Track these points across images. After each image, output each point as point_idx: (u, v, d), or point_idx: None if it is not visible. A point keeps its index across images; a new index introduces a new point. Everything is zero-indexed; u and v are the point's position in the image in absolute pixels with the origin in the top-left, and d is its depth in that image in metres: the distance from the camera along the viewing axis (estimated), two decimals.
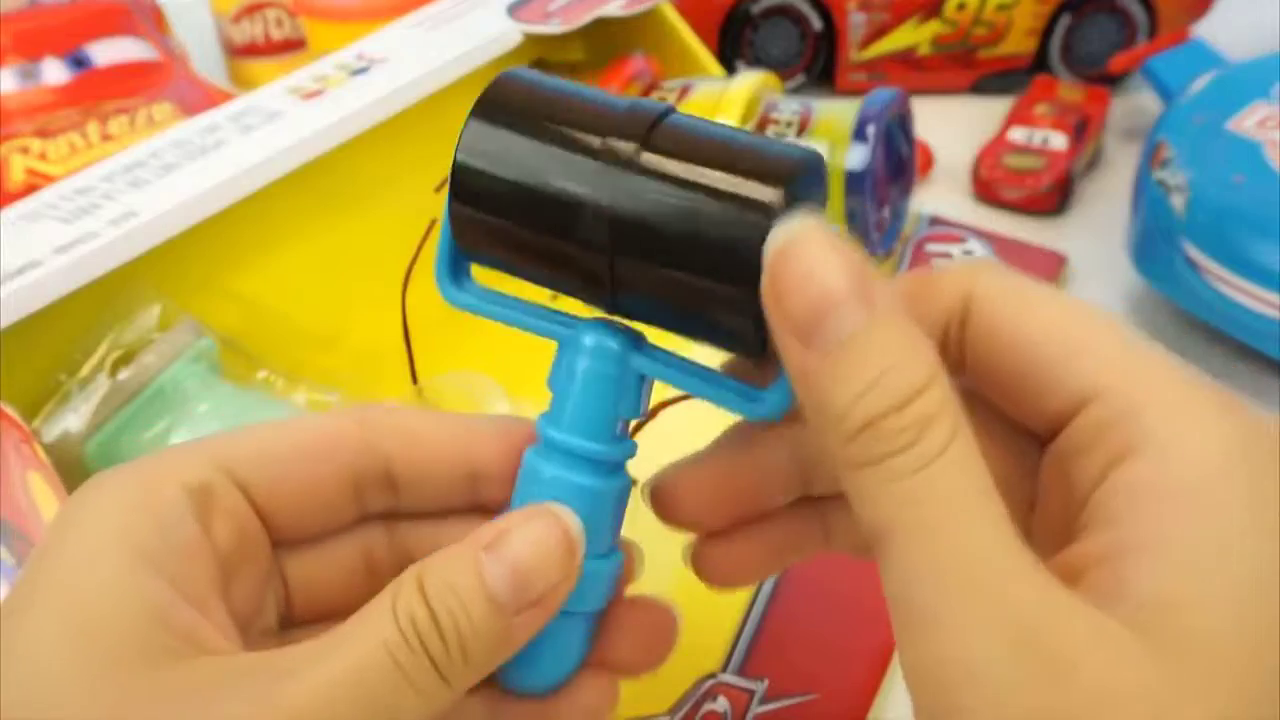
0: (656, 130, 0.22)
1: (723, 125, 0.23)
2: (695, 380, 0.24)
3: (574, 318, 0.24)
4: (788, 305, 0.20)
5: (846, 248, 0.20)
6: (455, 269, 0.25)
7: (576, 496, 0.23)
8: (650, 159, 0.22)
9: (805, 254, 0.20)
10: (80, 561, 0.20)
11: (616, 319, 0.24)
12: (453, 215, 0.23)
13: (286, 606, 0.25)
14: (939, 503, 0.19)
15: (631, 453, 0.24)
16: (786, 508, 0.26)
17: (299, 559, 0.25)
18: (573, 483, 0.23)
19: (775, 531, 0.26)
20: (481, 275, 0.25)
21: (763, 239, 0.21)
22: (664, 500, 0.25)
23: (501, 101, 0.23)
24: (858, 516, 0.20)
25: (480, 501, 0.25)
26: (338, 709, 0.19)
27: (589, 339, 0.23)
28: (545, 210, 0.22)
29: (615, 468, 0.24)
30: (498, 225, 0.23)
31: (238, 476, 0.23)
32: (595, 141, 0.22)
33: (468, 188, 0.23)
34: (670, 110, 0.23)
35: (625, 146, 0.22)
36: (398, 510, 0.25)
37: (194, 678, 0.20)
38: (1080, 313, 0.22)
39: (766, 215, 0.21)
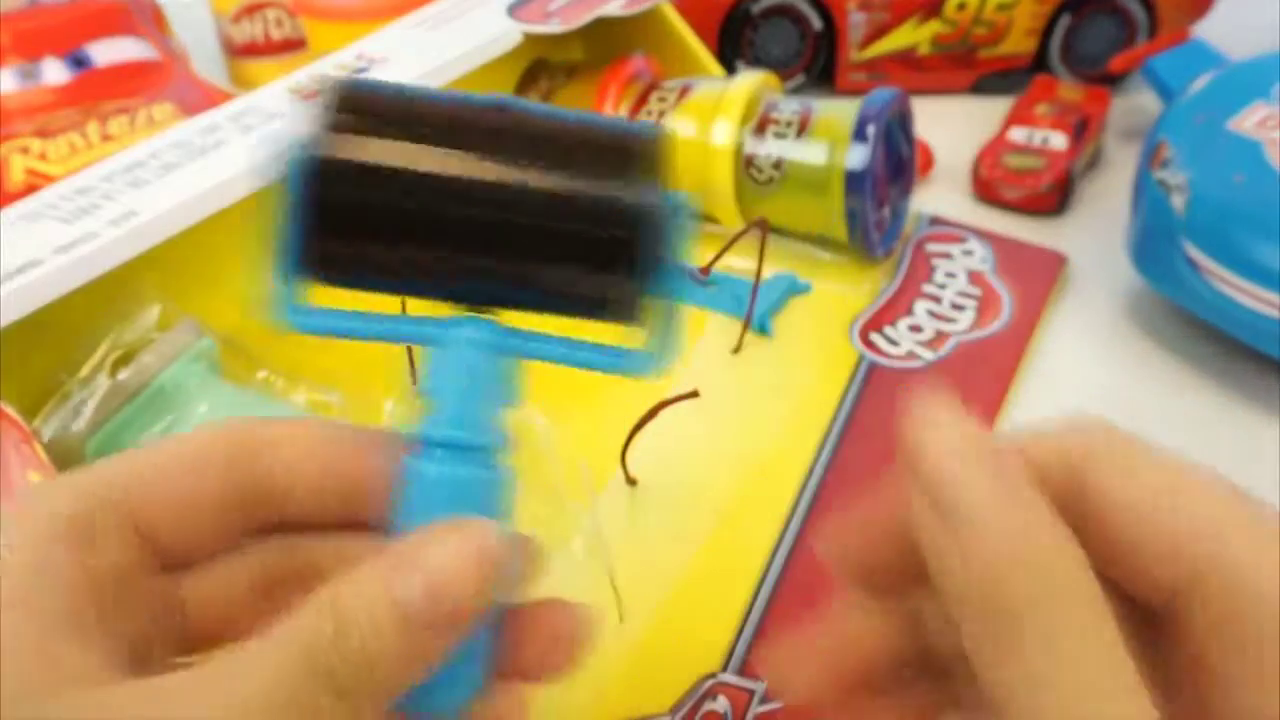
0: (516, 119, 0.23)
1: (574, 111, 0.24)
2: (572, 352, 0.24)
3: (435, 319, 0.24)
4: (923, 484, 0.21)
5: (973, 426, 0.21)
6: (292, 291, 0.24)
7: (468, 491, 0.23)
8: (516, 149, 0.22)
9: (937, 434, 0.21)
10: None
11: (478, 312, 0.24)
12: (309, 230, 0.22)
13: (185, 630, 0.24)
14: (1069, 684, 0.18)
15: (511, 443, 0.24)
16: (910, 681, 0.25)
17: (194, 580, 0.24)
18: (462, 477, 0.23)
19: (899, 708, 0.25)
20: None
21: (638, 219, 0.22)
22: (775, 672, 0.25)
23: (349, 106, 0.23)
24: (985, 694, 0.20)
25: (357, 513, 0.25)
26: None
27: (464, 333, 0.23)
28: (410, 211, 0.22)
29: (501, 459, 0.24)
30: (358, 234, 0.23)
31: (118, 501, 0.22)
32: (458, 136, 0.22)
33: (327, 197, 0.22)
34: (521, 101, 0.23)
35: (488, 138, 0.22)
36: (286, 522, 0.25)
37: (61, 714, 0.19)
38: (1195, 483, 0.21)
39: (641, 193, 0.22)
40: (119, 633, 0.22)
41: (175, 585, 0.24)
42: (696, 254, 0.51)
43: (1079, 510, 0.21)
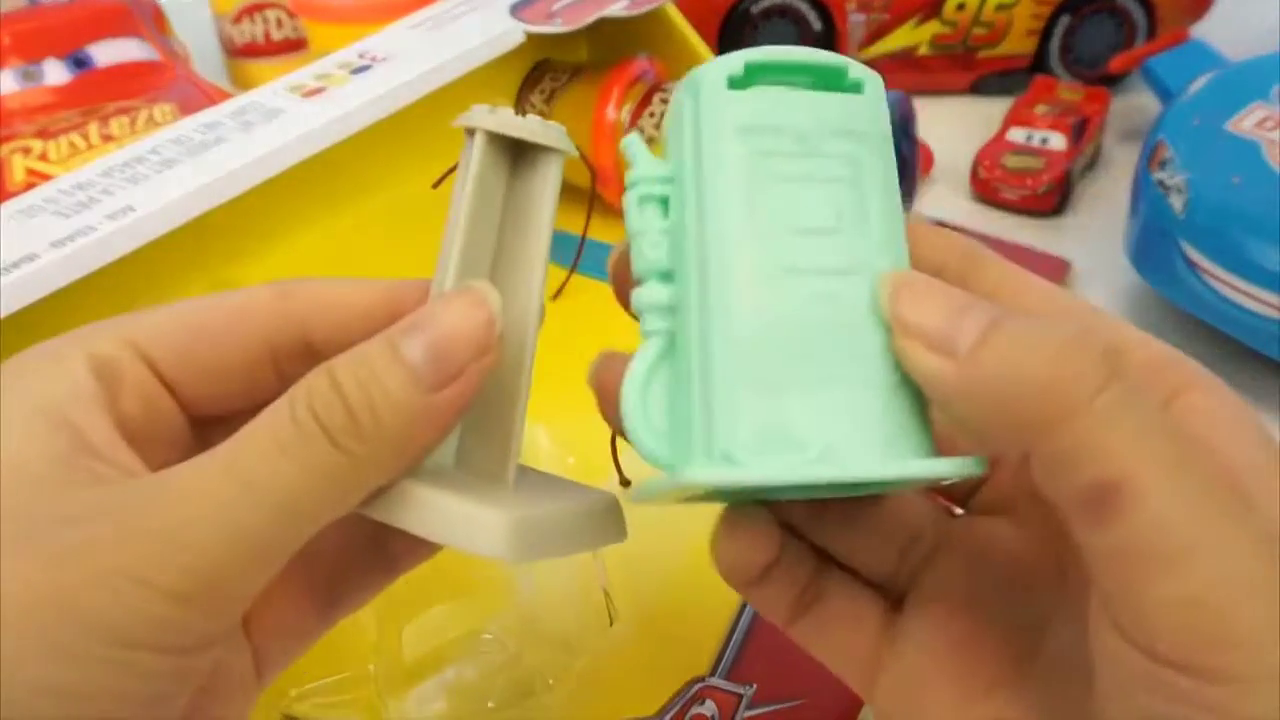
0: None
1: None
2: None
3: None
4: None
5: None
6: None
7: None
8: None
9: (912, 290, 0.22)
10: None
11: None
12: None
13: None
14: (1181, 439, 0.18)
15: None
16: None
17: (225, 433, 0.24)
18: None
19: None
20: None
21: None
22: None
23: None
24: (1077, 477, 0.18)
25: None
26: (209, 501, 0.19)
27: None
28: None
29: None
30: None
31: (143, 352, 0.23)
32: None
33: None
34: None
35: None
36: None
37: (85, 501, 0.20)
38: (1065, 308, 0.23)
39: None
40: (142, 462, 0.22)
41: (207, 437, 0.24)
42: None
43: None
